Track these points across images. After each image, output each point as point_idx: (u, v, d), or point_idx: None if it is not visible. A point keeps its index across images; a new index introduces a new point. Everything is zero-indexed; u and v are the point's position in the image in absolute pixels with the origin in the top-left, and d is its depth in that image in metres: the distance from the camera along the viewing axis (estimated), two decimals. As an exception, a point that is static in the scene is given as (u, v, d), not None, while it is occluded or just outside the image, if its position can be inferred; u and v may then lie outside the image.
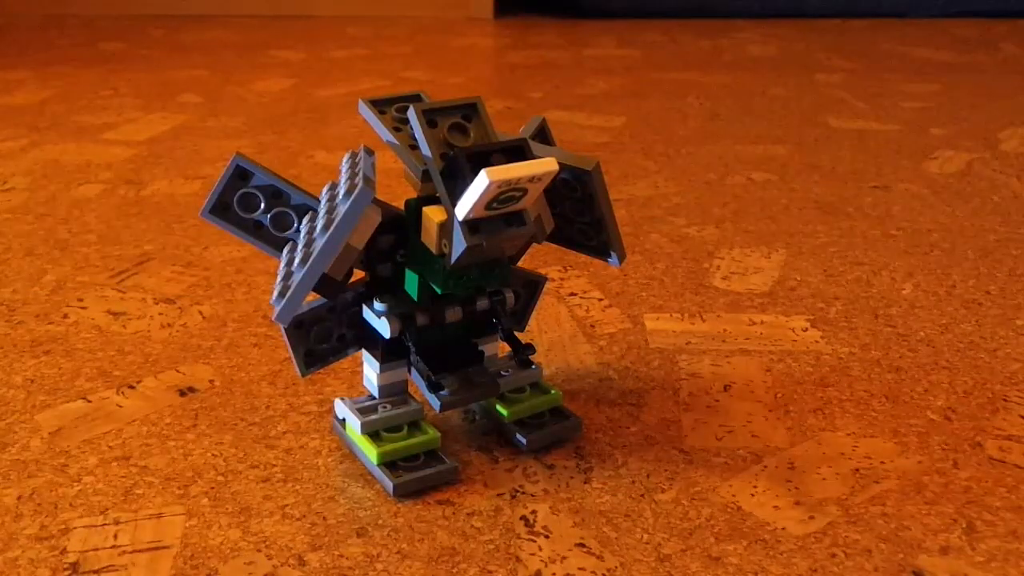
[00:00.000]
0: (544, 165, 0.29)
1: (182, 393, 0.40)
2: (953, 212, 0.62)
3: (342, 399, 0.35)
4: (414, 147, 0.32)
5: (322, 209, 0.31)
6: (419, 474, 0.33)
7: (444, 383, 0.34)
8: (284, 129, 0.83)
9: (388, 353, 0.34)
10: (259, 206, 0.33)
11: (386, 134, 0.33)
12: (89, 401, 0.39)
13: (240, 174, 0.33)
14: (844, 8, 1.49)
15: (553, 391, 0.37)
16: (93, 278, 0.51)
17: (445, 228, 0.31)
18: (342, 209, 0.29)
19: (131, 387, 0.40)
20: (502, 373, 0.37)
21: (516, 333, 0.37)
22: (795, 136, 0.80)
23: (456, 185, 0.30)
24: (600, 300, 0.48)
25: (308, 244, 0.31)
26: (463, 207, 0.30)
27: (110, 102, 0.93)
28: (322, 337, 0.34)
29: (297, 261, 0.30)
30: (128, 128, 0.83)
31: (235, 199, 0.33)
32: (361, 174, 0.30)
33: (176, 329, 0.45)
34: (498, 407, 0.36)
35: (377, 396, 0.35)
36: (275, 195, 0.33)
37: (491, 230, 0.30)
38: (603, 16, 1.49)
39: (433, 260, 0.32)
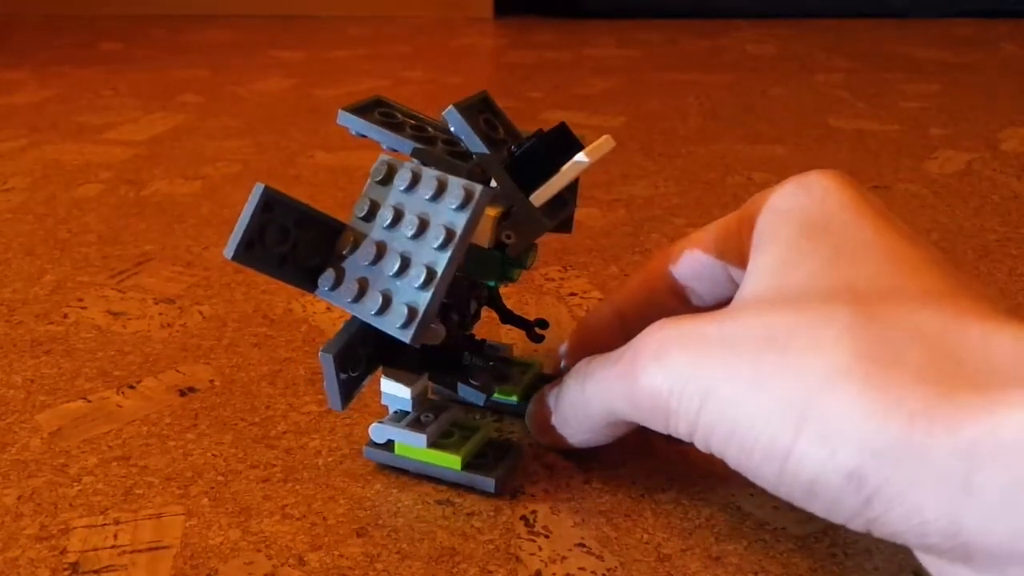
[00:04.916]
0: (610, 142, 0.31)
1: (182, 393, 0.40)
2: (953, 212, 0.62)
3: (380, 423, 0.34)
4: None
5: (378, 228, 0.29)
6: (508, 464, 0.33)
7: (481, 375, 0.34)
8: (284, 129, 0.83)
9: (423, 363, 0.33)
10: (286, 238, 0.30)
11: (401, 142, 0.32)
12: (89, 401, 0.39)
13: (267, 206, 0.29)
14: (844, 8, 1.49)
15: (533, 362, 0.38)
16: (93, 278, 0.51)
17: (505, 221, 0.32)
18: (460, 220, 0.28)
19: (131, 387, 0.40)
20: None
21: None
22: (795, 136, 0.80)
23: (530, 174, 0.31)
24: (600, 300, 0.48)
25: (405, 266, 0.29)
26: (546, 193, 0.31)
27: (110, 102, 0.93)
28: (355, 363, 0.32)
29: (396, 282, 0.29)
30: (128, 128, 0.83)
31: (262, 233, 0.29)
32: (457, 180, 0.29)
33: (176, 329, 0.45)
34: (500, 396, 0.37)
35: (411, 409, 0.34)
36: (299, 223, 0.30)
37: (550, 213, 0.32)
38: (603, 16, 1.49)
39: (485, 255, 0.32)
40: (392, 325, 0.29)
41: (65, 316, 0.47)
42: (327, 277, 0.30)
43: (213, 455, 0.35)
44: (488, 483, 0.33)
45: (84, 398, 0.39)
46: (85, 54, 1.19)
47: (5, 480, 0.34)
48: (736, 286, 0.32)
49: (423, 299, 0.28)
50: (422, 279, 0.28)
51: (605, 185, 0.67)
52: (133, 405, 0.39)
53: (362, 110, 0.33)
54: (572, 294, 0.49)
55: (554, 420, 0.33)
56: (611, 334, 0.36)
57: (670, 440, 0.30)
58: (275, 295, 0.49)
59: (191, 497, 0.33)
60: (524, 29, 1.42)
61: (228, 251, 0.29)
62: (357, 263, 0.30)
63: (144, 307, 0.48)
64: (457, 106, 0.31)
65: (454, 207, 0.28)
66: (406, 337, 0.28)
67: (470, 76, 1.09)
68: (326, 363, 0.30)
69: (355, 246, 0.30)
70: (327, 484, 0.34)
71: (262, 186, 0.29)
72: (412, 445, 0.33)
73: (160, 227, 0.59)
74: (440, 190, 0.29)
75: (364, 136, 0.33)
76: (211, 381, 0.41)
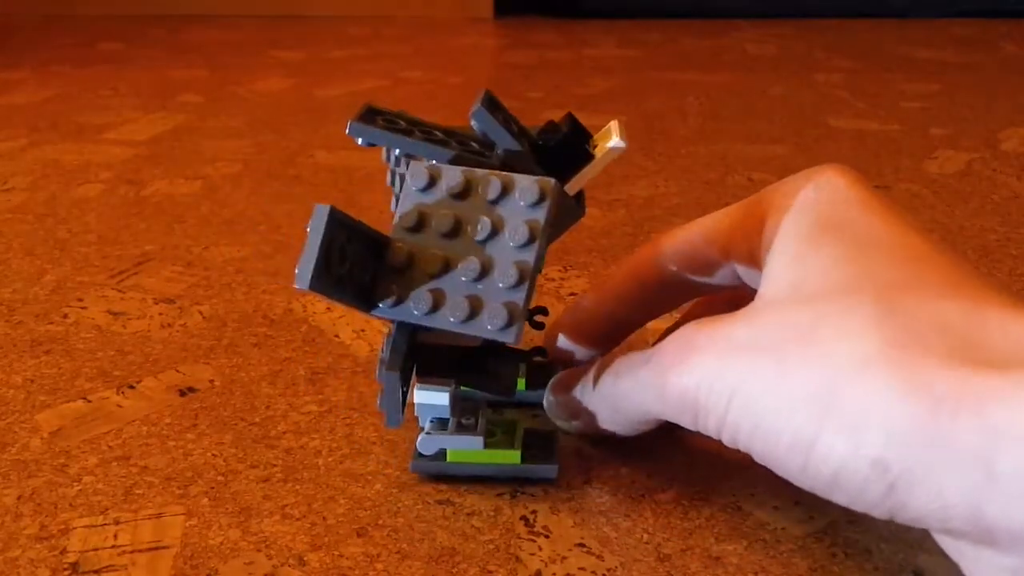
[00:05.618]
0: (618, 124, 0.34)
1: (182, 393, 0.40)
2: (953, 212, 0.62)
3: (427, 434, 0.33)
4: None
5: (434, 236, 0.29)
6: (554, 449, 0.34)
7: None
8: (284, 129, 0.83)
9: (452, 366, 0.33)
10: (344, 257, 0.28)
11: (432, 149, 0.31)
12: (89, 401, 0.39)
13: (334, 229, 0.28)
14: (844, 8, 1.49)
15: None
16: (93, 278, 0.51)
17: None
18: (540, 216, 0.29)
19: (131, 387, 0.40)
20: None
21: None
22: (795, 136, 0.80)
23: (563, 163, 0.32)
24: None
25: (485, 269, 0.29)
26: (580, 182, 0.33)
27: (110, 102, 0.93)
28: (408, 376, 0.31)
29: (478, 287, 0.29)
30: (128, 128, 0.83)
31: (328, 257, 0.28)
32: (527, 178, 0.29)
33: (176, 329, 0.45)
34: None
35: (449, 415, 0.33)
36: (350, 239, 0.29)
37: (579, 203, 0.34)
38: (603, 16, 1.49)
39: None
40: (489, 329, 0.28)
41: (65, 316, 0.47)
42: (387, 294, 0.29)
43: (213, 455, 0.35)
44: (551, 470, 0.33)
45: (84, 398, 0.39)
46: (85, 54, 1.19)
47: (5, 480, 0.34)
48: (740, 281, 0.33)
49: (519, 297, 0.28)
50: (514, 279, 0.28)
51: (605, 185, 0.67)
52: (133, 405, 0.39)
53: (366, 120, 0.32)
54: (572, 294, 0.49)
55: (589, 407, 0.34)
56: (598, 324, 0.37)
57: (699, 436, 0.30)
58: (275, 295, 0.49)
59: (191, 497, 0.33)
60: (524, 29, 1.41)
61: (301, 281, 0.27)
62: (420, 274, 0.29)
63: (144, 307, 0.48)
64: (483, 106, 0.31)
65: (530, 204, 0.29)
66: (509, 337, 0.28)
67: (470, 76, 1.09)
68: (391, 381, 0.29)
69: (411, 257, 0.29)
70: (327, 484, 0.34)
71: (327, 207, 0.28)
72: (468, 449, 0.33)
73: (160, 227, 0.59)
74: (506, 190, 0.29)
75: (374, 145, 0.32)
76: (211, 381, 0.41)
